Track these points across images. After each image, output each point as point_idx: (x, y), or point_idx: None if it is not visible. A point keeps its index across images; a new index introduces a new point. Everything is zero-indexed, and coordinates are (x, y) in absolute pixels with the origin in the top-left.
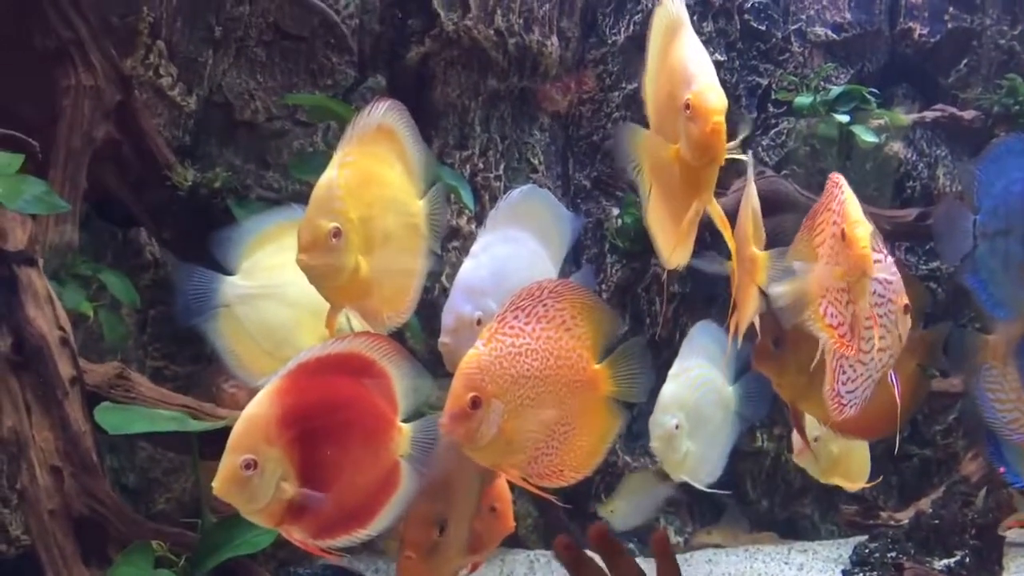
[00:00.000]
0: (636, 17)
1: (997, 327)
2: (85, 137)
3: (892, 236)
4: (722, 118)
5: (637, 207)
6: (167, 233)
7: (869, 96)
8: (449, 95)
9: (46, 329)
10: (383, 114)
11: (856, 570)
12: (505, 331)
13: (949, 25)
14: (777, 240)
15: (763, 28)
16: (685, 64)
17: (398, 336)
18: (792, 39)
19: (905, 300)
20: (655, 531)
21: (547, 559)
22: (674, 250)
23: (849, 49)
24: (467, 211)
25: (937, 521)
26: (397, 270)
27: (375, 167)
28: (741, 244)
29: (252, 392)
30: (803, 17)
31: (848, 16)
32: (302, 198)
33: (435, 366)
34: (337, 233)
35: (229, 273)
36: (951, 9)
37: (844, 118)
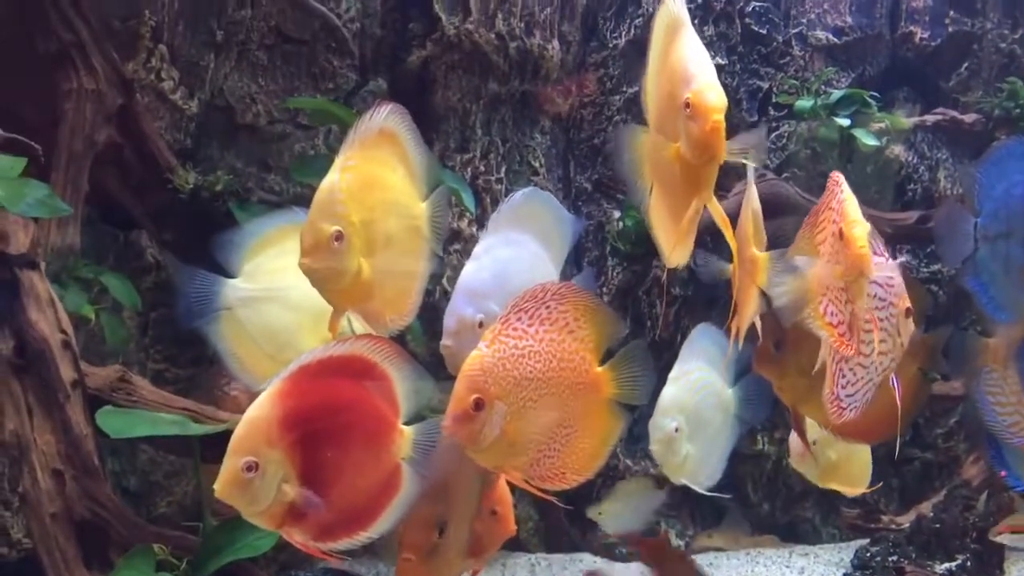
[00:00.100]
0: (637, 21)
1: (998, 330)
2: (87, 140)
3: (893, 239)
4: (722, 117)
5: (638, 210)
6: (168, 236)
7: (870, 99)
8: (450, 99)
9: (48, 332)
10: (385, 118)
11: (857, 574)
12: (508, 333)
13: (950, 29)
14: (778, 243)
15: (764, 32)
16: (685, 63)
17: (399, 339)
18: (793, 43)
19: (907, 303)
20: (657, 536)
21: (548, 562)
22: (675, 248)
23: (850, 53)
24: (468, 214)
25: (938, 525)
26: (399, 273)
27: (377, 171)
28: (742, 245)
29: (253, 395)
30: (804, 21)
31: (849, 20)
32: (303, 201)
33: (436, 369)
34: (339, 237)
35: (231, 276)
36: (952, 13)
37: (845, 121)
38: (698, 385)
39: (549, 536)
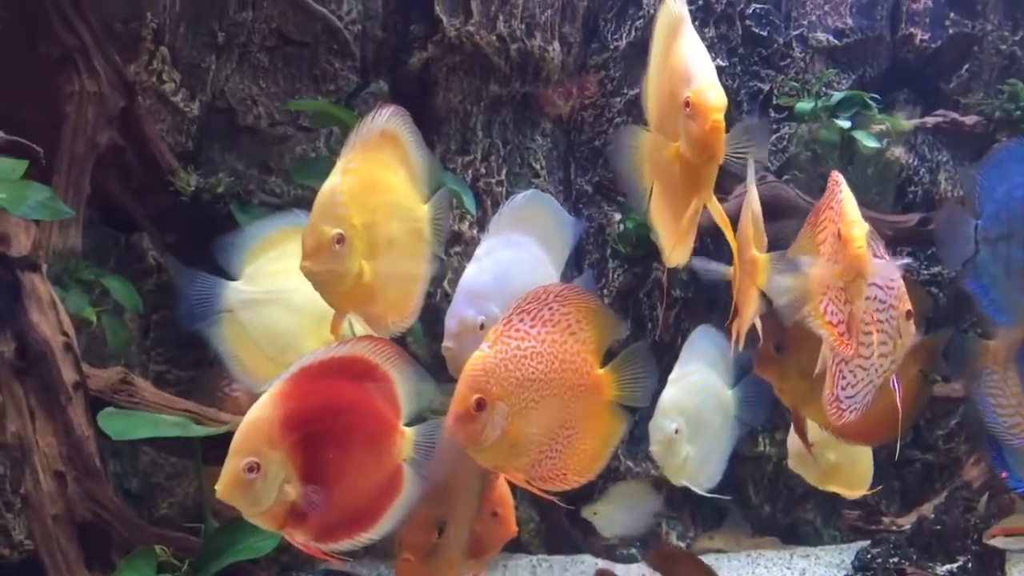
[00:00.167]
0: (638, 23)
1: (998, 332)
2: (89, 143)
3: (894, 241)
4: (722, 116)
5: (638, 212)
6: (170, 238)
7: (870, 101)
8: (451, 100)
9: (49, 334)
10: (386, 120)
11: (858, 575)
12: (511, 334)
13: (950, 30)
14: (778, 245)
15: (765, 34)
16: (685, 63)
17: (400, 341)
18: (794, 44)
19: (907, 306)
20: (658, 538)
21: (549, 564)
22: (675, 247)
23: (850, 54)
24: (469, 216)
25: (939, 526)
26: (401, 275)
27: (379, 173)
28: (742, 247)
29: (255, 396)
30: (804, 23)
31: (849, 21)
32: (304, 203)
33: (437, 370)
34: (340, 239)
35: (232, 278)
36: (952, 15)
37: (845, 123)
38: (698, 387)
39: (550, 537)
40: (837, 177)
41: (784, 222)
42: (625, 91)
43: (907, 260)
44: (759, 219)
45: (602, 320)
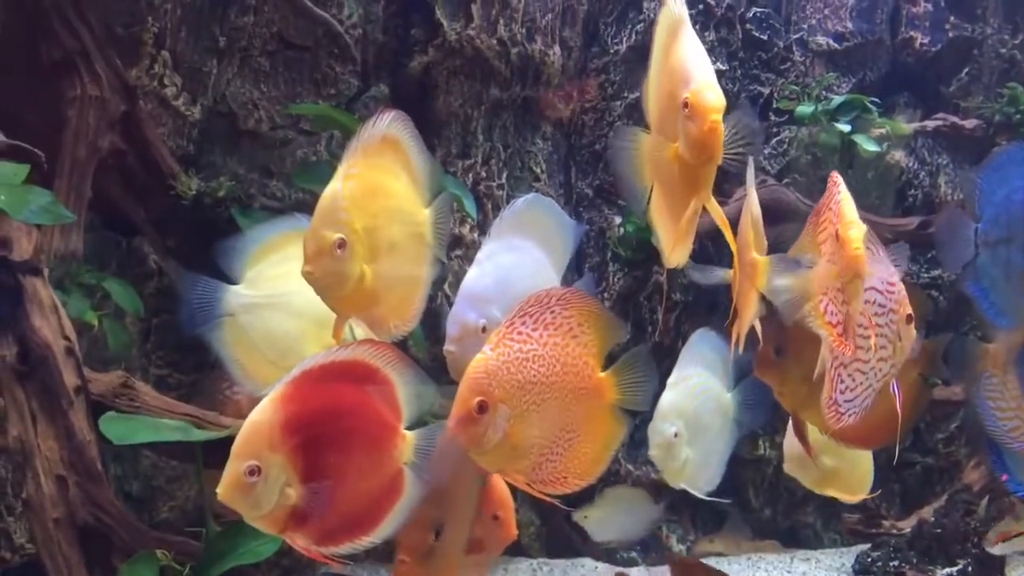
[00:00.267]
0: (638, 26)
1: (998, 336)
2: (90, 147)
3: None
4: (720, 117)
5: (639, 216)
6: (171, 242)
7: (870, 105)
8: (452, 104)
9: (51, 339)
10: (388, 125)
11: None
12: (513, 337)
13: (950, 34)
14: (779, 249)
15: (765, 38)
16: (684, 64)
17: (401, 344)
18: (794, 48)
19: (908, 310)
20: (658, 541)
21: (549, 568)
22: (674, 248)
23: (850, 58)
24: (470, 220)
25: (939, 530)
26: (403, 279)
27: (380, 178)
28: (742, 249)
29: (256, 400)
30: (805, 26)
31: (849, 25)
32: (305, 207)
33: (438, 374)
34: (342, 244)
35: (233, 282)
36: (952, 18)
37: (846, 127)
38: (697, 390)
39: (550, 541)
40: (836, 178)
41: (784, 226)
42: (625, 95)
43: (904, 247)
44: (759, 222)
45: (603, 323)
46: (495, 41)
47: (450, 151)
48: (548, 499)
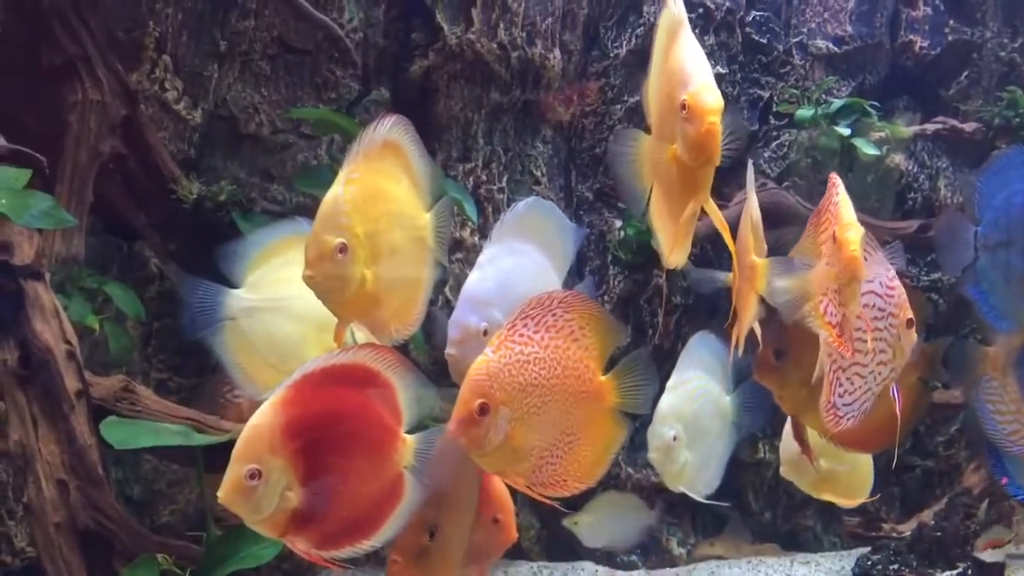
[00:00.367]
0: (638, 30)
1: (997, 339)
2: (91, 151)
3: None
4: (718, 119)
5: (639, 219)
6: (172, 246)
7: (870, 109)
8: (452, 108)
9: (52, 343)
10: (389, 130)
11: None
12: (514, 339)
13: (950, 38)
14: (779, 252)
15: (765, 41)
16: (682, 65)
17: (402, 348)
18: (793, 52)
19: (909, 315)
20: (659, 544)
21: (549, 571)
22: (673, 249)
23: (850, 62)
24: (470, 223)
25: (939, 533)
26: (404, 283)
27: (381, 182)
28: (741, 253)
29: (257, 403)
30: (804, 30)
31: (849, 29)
32: (306, 211)
33: (438, 377)
34: (343, 248)
35: (235, 286)
36: (951, 22)
37: (845, 131)
38: (696, 393)
39: (551, 544)
40: (835, 179)
41: (784, 229)
42: (625, 98)
43: (899, 247)
44: (759, 226)
45: (604, 327)
46: (495, 45)
47: (450, 155)
48: (548, 502)
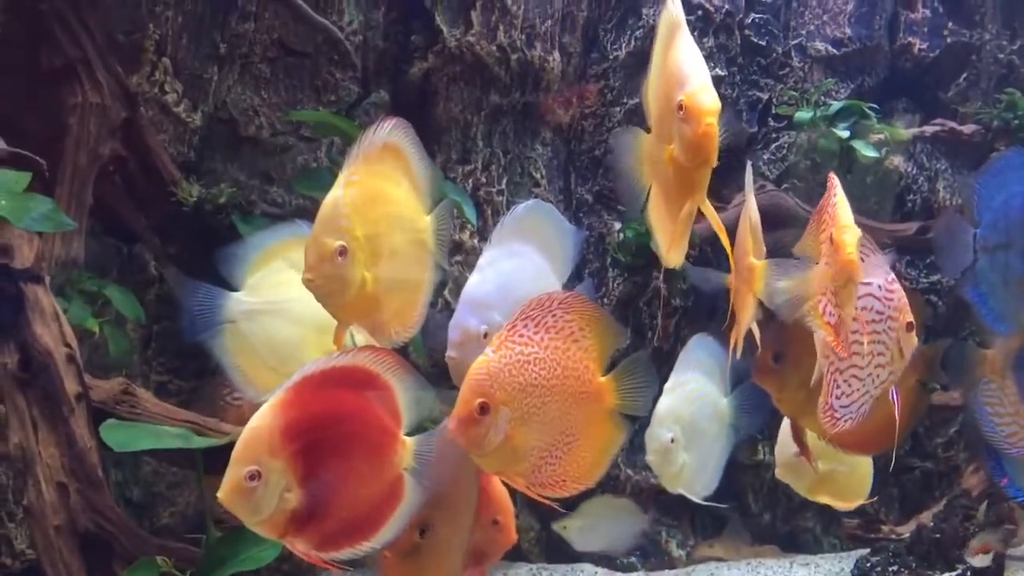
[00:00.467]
0: (637, 32)
1: (996, 341)
2: (91, 154)
3: (893, 250)
4: (714, 120)
5: (639, 221)
6: (172, 249)
7: (869, 111)
8: (452, 110)
9: (52, 346)
10: (388, 132)
11: None
12: (515, 339)
13: (948, 40)
14: (778, 254)
15: (763, 43)
16: (680, 66)
17: (401, 350)
18: (792, 54)
19: (909, 318)
20: (658, 546)
21: (549, 573)
22: (670, 248)
23: (849, 64)
24: (469, 226)
25: (938, 535)
26: (404, 286)
27: (381, 185)
28: (739, 254)
29: (257, 406)
30: (803, 32)
31: (848, 31)
32: (306, 213)
33: (438, 380)
34: (343, 251)
35: (234, 289)
36: (950, 24)
37: (844, 133)
38: (694, 395)
39: (550, 546)
40: (833, 180)
41: (783, 231)
42: (625, 100)
43: (891, 254)
44: (758, 228)
45: (605, 328)
46: (495, 47)
47: (450, 157)
48: (547, 502)
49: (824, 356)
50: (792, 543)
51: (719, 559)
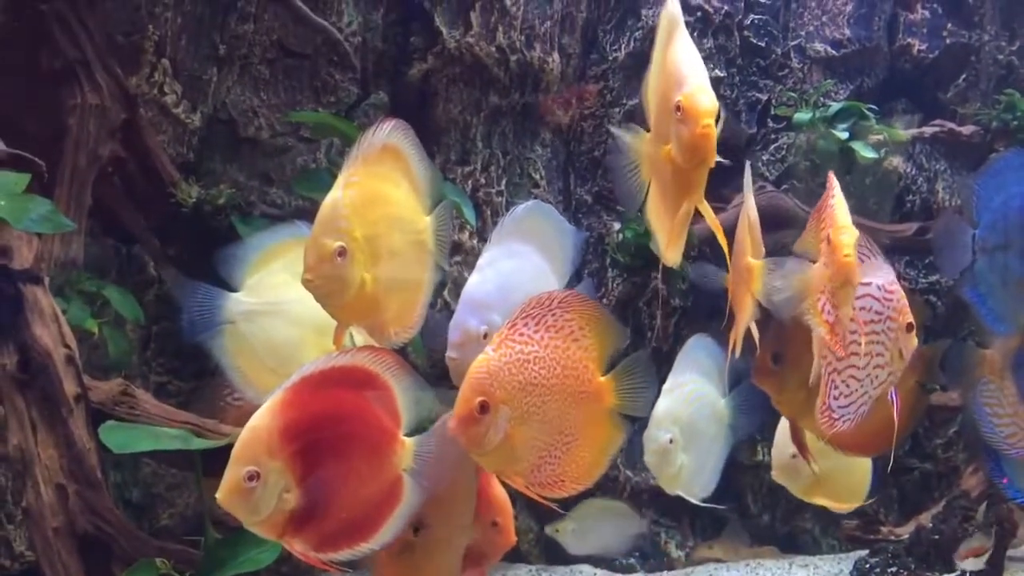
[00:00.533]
0: (636, 34)
1: (995, 342)
2: (90, 155)
3: (892, 250)
4: (712, 121)
5: (638, 222)
6: (171, 250)
7: (868, 112)
8: (451, 111)
9: (51, 347)
10: (388, 134)
11: None
12: (515, 338)
13: (947, 41)
14: (777, 255)
15: (763, 44)
16: (678, 67)
17: (400, 350)
18: (791, 55)
19: (908, 319)
20: (657, 547)
21: (548, 574)
22: (668, 247)
23: (848, 65)
24: (469, 226)
25: (937, 536)
26: (403, 286)
27: (380, 186)
28: (737, 254)
29: (256, 407)
30: (802, 33)
31: (847, 32)
32: (305, 214)
33: (438, 380)
34: (342, 252)
35: (234, 290)
36: (949, 25)
37: (843, 134)
38: (692, 396)
39: (549, 547)
40: (832, 180)
41: (783, 232)
42: (624, 101)
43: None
44: (757, 228)
45: (605, 327)
46: (494, 48)
47: (449, 158)
48: (545, 502)
49: (821, 356)
50: (791, 544)
51: (718, 560)
